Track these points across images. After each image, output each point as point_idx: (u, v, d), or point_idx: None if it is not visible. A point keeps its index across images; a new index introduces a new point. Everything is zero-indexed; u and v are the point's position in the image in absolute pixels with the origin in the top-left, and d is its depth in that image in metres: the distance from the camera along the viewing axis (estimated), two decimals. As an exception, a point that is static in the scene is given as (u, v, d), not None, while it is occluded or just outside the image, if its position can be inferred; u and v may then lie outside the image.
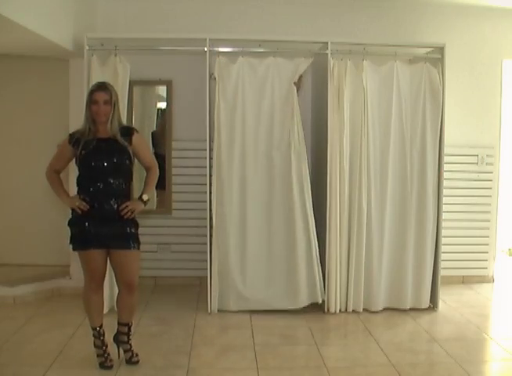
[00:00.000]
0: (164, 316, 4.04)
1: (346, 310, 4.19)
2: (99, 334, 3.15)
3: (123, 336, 3.21)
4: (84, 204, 3.00)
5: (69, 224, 3.10)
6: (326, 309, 4.16)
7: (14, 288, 4.32)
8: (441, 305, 4.29)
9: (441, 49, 4.17)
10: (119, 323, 3.22)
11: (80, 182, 3.13)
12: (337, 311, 4.16)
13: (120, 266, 3.08)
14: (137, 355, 3.21)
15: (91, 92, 3.04)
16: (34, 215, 4.87)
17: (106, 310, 4.03)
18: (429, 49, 4.35)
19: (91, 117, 3.04)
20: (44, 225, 4.85)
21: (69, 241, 3.09)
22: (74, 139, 3.05)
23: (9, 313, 4.06)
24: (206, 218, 4.11)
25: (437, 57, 4.20)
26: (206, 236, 4.12)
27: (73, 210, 3.06)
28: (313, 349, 3.47)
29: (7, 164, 4.89)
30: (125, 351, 3.22)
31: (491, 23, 4.87)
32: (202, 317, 4.05)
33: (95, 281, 3.10)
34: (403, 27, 4.78)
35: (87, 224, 3.01)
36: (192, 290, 4.66)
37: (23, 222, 4.88)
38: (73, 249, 3.09)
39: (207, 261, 4.12)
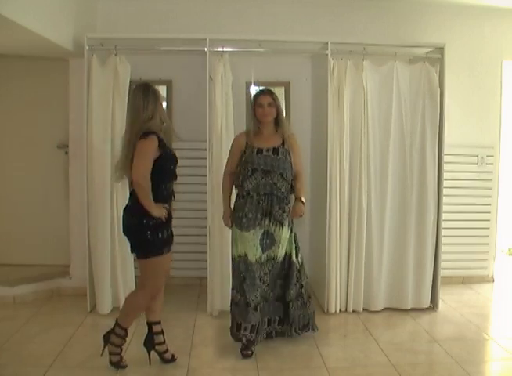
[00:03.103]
0: (164, 316, 4.01)
1: (346, 310, 4.19)
2: (125, 334, 3.15)
3: (160, 336, 3.22)
4: (165, 211, 3.04)
5: (149, 230, 2.97)
6: (326, 309, 4.16)
7: (14, 288, 4.32)
8: (441, 305, 4.29)
9: (441, 49, 4.17)
10: (153, 324, 3.22)
11: (159, 188, 3.02)
12: (337, 311, 4.16)
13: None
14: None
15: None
16: (34, 215, 4.86)
17: (109, 310, 4.07)
18: (429, 49, 4.34)
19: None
20: (44, 225, 4.85)
21: (148, 248, 3.00)
22: None
23: (9, 313, 4.06)
24: (206, 218, 4.12)
25: (437, 57, 4.20)
26: (206, 236, 4.12)
27: (152, 217, 2.96)
28: (313, 349, 3.47)
29: (7, 164, 4.89)
30: (164, 352, 3.21)
31: (491, 23, 4.87)
32: (202, 317, 4.06)
33: (162, 286, 3.19)
34: (403, 27, 4.78)
35: (169, 229, 3.10)
36: (192, 290, 4.66)
37: (23, 222, 4.88)
38: (158, 254, 3.02)
39: (207, 261, 4.13)
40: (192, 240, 4.69)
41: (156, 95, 3.02)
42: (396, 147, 4.18)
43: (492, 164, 4.96)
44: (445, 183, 4.23)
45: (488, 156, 4.95)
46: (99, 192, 4.00)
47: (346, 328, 3.97)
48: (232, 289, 3.52)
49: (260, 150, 3.43)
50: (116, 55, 4.00)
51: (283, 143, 3.48)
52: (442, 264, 4.26)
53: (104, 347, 3.16)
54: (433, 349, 3.52)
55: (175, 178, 3.12)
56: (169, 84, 4.78)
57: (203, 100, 4.09)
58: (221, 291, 4.12)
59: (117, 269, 4.09)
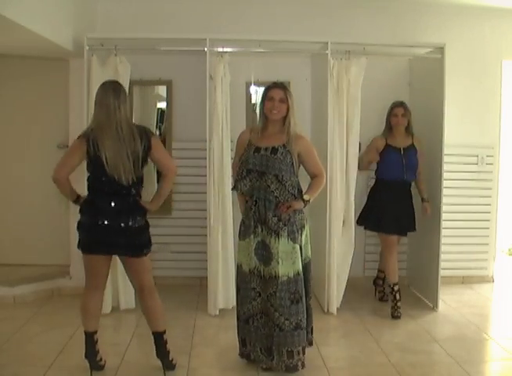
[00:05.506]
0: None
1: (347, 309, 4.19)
2: None
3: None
4: None
5: (148, 225, 3.09)
6: (326, 309, 4.16)
7: (14, 288, 4.31)
8: (441, 305, 4.29)
9: (441, 49, 4.17)
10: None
11: None
12: (337, 311, 4.16)
13: None
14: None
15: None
16: (34, 215, 4.86)
17: (109, 310, 4.06)
18: (429, 49, 4.34)
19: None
20: (44, 225, 4.85)
21: (150, 244, 3.06)
22: None
23: (9, 313, 4.06)
24: (206, 218, 4.12)
25: (437, 57, 4.20)
26: (206, 236, 4.12)
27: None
28: (313, 349, 3.45)
29: (7, 164, 4.89)
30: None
31: (491, 23, 4.87)
32: (202, 317, 4.05)
33: None
34: (403, 27, 4.77)
35: None
36: (192, 290, 4.65)
37: (23, 222, 4.87)
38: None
39: (207, 261, 4.13)
40: (193, 240, 4.69)
41: (125, 92, 2.97)
42: (396, 147, 4.19)
43: (491, 164, 4.96)
44: (445, 183, 4.23)
45: (488, 156, 4.94)
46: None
47: (346, 328, 3.97)
48: None
49: (258, 149, 3.07)
50: (116, 55, 4.00)
51: (285, 144, 3.05)
52: (442, 264, 4.25)
53: (169, 358, 3.10)
54: (433, 349, 3.52)
55: None
56: (169, 84, 4.78)
57: (203, 100, 4.09)
58: (221, 290, 4.12)
59: (116, 268, 4.08)
